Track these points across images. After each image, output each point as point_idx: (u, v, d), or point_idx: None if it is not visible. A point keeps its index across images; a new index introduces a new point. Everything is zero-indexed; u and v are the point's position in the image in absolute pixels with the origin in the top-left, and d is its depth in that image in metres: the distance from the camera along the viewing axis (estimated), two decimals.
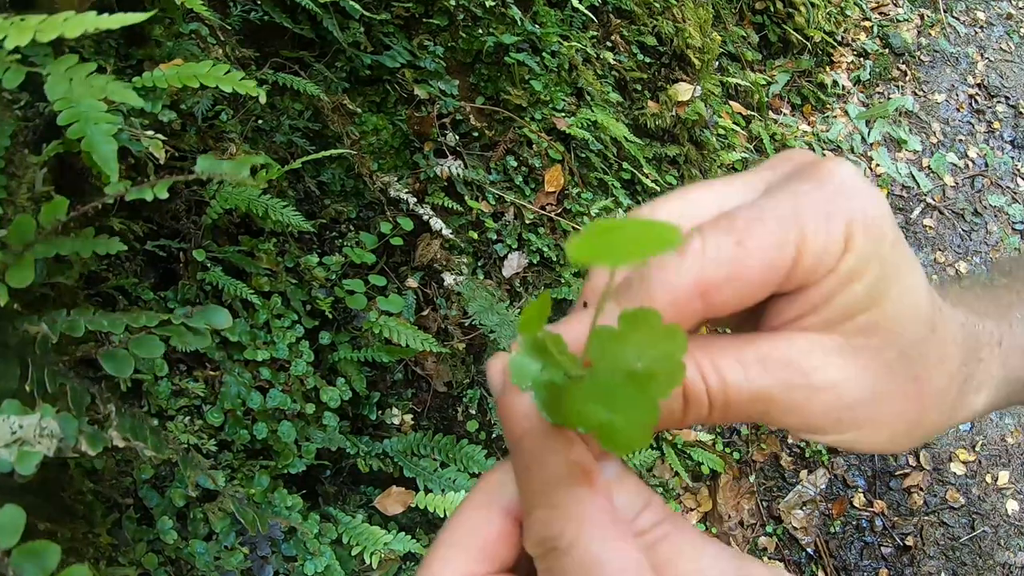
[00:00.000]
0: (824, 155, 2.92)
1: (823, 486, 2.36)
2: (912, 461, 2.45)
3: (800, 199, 0.30)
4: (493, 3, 1.85)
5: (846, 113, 3.29)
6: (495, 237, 1.89)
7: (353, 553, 1.36)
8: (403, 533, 1.41)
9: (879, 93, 3.39)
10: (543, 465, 0.30)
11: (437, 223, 1.72)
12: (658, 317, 0.28)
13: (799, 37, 3.20)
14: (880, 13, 3.66)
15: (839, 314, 0.31)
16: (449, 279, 1.74)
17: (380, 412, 1.64)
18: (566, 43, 2.02)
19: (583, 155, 2.07)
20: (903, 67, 3.48)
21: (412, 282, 1.76)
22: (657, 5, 2.34)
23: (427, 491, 1.52)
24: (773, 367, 0.31)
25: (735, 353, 0.31)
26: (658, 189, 2.30)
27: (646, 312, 0.28)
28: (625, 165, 2.21)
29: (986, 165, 3.23)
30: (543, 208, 1.97)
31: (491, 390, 0.33)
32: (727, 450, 2.33)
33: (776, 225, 0.30)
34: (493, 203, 1.91)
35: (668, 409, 0.32)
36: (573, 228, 1.99)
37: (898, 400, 0.33)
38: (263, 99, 0.94)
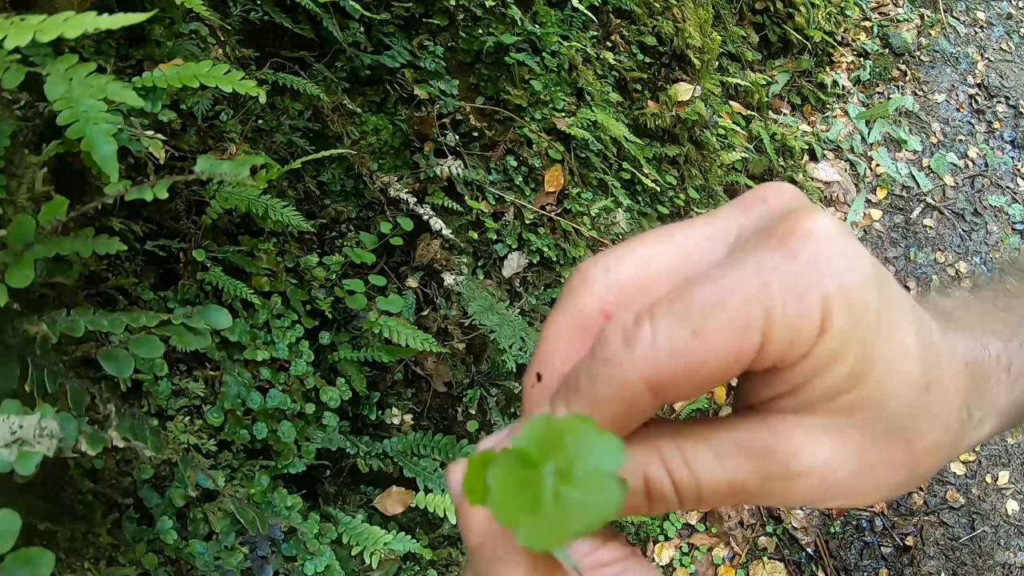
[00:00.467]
0: (824, 155, 2.85)
1: None
2: None
3: (767, 276, 0.26)
4: (493, 3, 1.85)
5: (846, 113, 3.29)
6: (495, 237, 1.89)
7: (353, 553, 1.36)
8: (403, 533, 1.41)
9: (879, 93, 3.39)
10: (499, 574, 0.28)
11: (437, 223, 1.72)
12: (587, 426, 0.26)
13: (799, 37, 3.20)
14: (880, 13, 3.66)
15: (819, 396, 0.28)
16: (449, 279, 1.74)
17: (380, 412, 1.64)
18: (566, 43, 2.02)
19: (583, 155, 2.07)
20: (903, 67, 3.48)
21: (412, 282, 1.76)
22: (657, 5, 2.34)
23: (427, 491, 1.52)
24: (751, 457, 0.29)
25: (708, 444, 0.29)
26: (658, 189, 2.30)
27: (566, 424, 0.25)
28: (625, 165, 2.21)
29: (986, 165, 3.23)
30: (543, 208, 1.97)
31: (451, 496, 0.31)
32: None
33: (738, 310, 0.26)
34: (493, 203, 1.91)
35: (631, 504, 0.29)
36: (573, 228, 1.99)
37: (888, 466, 0.31)
38: (263, 99, 0.94)
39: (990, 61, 3.56)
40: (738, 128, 2.75)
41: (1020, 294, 0.43)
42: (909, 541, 2.29)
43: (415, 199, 1.72)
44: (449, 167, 1.81)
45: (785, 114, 3.22)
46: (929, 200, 3.10)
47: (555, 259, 1.96)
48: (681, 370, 0.27)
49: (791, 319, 0.26)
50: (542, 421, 0.25)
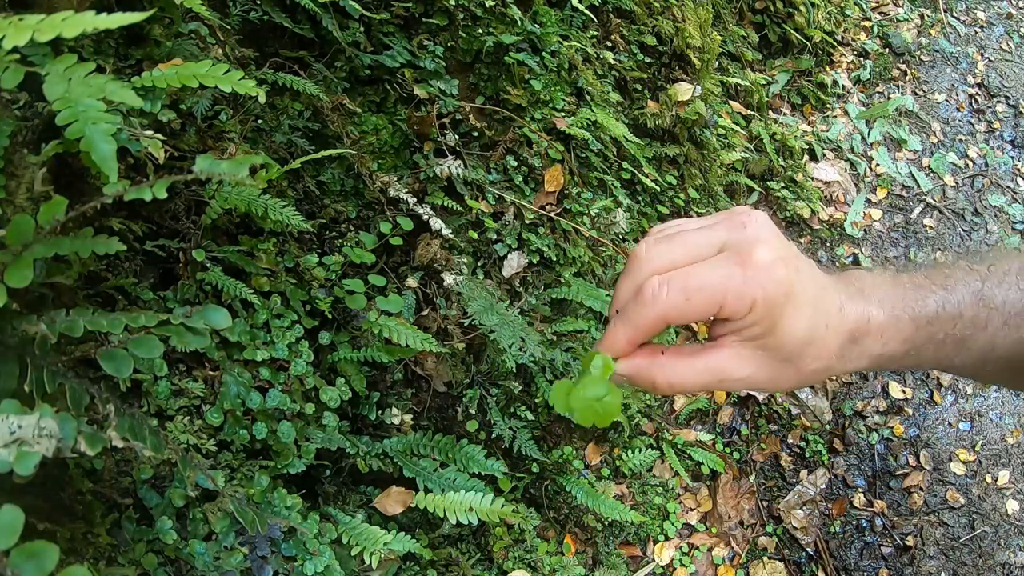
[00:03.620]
0: (824, 155, 2.95)
1: (823, 486, 2.36)
2: (912, 461, 2.45)
3: (729, 276, 0.54)
4: (493, 3, 1.85)
5: (846, 113, 3.29)
6: (495, 237, 1.89)
7: (353, 553, 1.36)
8: (403, 533, 1.41)
9: (879, 93, 3.39)
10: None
11: (437, 223, 1.72)
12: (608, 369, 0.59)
13: (799, 37, 3.20)
14: (880, 13, 3.65)
15: (748, 336, 0.56)
16: (449, 279, 1.74)
17: (380, 412, 1.64)
18: (566, 43, 2.02)
19: (583, 155, 2.07)
20: (903, 67, 3.48)
21: (412, 282, 1.76)
22: (657, 5, 2.34)
23: (427, 491, 1.52)
24: (712, 372, 0.58)
25: (689, 363, 0.58)
26: (658, 189, 2.30)
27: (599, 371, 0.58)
28: (625, 165, 2.21)
29: (986, 165, 3.23)
30: (543, 208, 1.97)
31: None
32: (727, 450, 2.33)
33: (711, 292, 0.54)
34: (493, 203, 1.90)
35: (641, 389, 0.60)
36: (573, 228, 1.99)
37: (785, 380, 0.59)
38: (262, 99, 0.93)
39: (990, 61, 3.56)
40: (738, 128, 2.75)
41: (925, 285, 0.63)
42: (909, 541, 2.29)
43: (415, 199, 1.72)
44: (449, 167, 1.80)
45: (785, 114, 3.22)
46: (929, 200, 3.10)
47: (555, 259, 1.96)
48: (678, 314, 0.55)
49: (736, 301, 0.54)
50: (590, 358, 0.59)
